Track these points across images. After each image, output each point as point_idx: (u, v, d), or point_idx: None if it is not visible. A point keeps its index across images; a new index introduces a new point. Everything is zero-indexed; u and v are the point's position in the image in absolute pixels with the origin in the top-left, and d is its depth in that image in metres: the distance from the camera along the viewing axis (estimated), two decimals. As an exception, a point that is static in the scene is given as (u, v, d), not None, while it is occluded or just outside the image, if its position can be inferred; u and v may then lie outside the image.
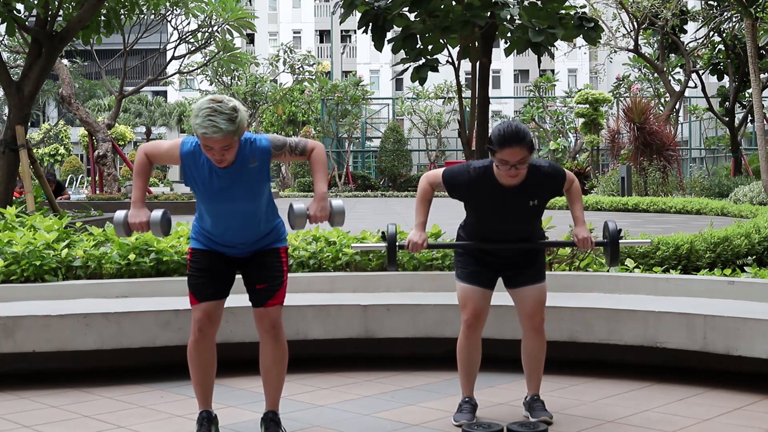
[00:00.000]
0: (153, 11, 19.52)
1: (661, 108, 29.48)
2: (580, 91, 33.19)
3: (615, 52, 29.34)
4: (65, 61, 26.45)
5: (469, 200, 3.89)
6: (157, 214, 3.53)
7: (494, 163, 3.73)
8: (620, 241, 3.88)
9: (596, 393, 4.46)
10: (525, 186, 3.78)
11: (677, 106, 29.72)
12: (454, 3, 6.75)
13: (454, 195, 3.91)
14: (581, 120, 30.77)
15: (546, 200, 3.88)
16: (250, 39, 49.87)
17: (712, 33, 26.02)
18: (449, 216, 6.42)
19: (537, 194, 3.82)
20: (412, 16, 7.01)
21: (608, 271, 5.93)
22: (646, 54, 28.32)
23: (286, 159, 3.61)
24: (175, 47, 24.93)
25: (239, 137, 3.37)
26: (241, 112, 3.35)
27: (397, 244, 3.88)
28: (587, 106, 29.93)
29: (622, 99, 30.86)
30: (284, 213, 3.67)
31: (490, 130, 7.12)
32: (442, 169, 3.95)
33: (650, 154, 21.09)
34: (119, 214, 3.56)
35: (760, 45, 21.72)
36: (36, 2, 9.64)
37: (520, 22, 6.67)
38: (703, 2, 25.63)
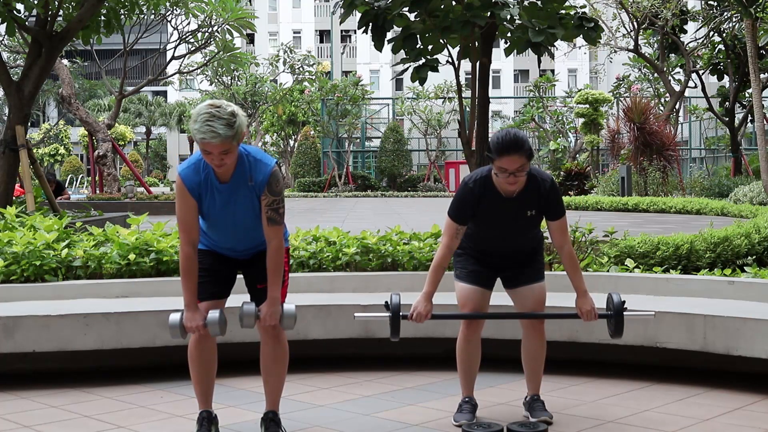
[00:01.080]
0: (153, 11, 19.52)
1: (661, 108, 29.48)
2: (580, 91, 33.18)
3: (615, 52, 29.34)
4: (65, 61, 26.45)
5: (475, 213, 3.87)
6: (215, 316, 3.47)
7: (493, 170, 3.73)
8: (624, 313, 3.86)
9: (596, 393, 4.46)
10: (524, 195, 3.78)
11: (677, 106, 29.73)
12: (454, 3, 6.75)
13: (468, 221, 3.85)
14: (581, 120, 30.75)
15: (543, 212, 3.86)
16: (250, 39, 49.88)
17: (712, 33, 26.02)
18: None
19: (535, 204, 3.82)
20: (412, 16, 7.01)
21: (608, 270, 5.93)
22: (646, 54, 28.32)
23: (262, 202, 3.49)
24: (175, 47, 24.93)
25: (238, 142, 3.38)
26: (240, 117, 3.36)
27: (400, 314, 3.84)
28: (587, 106, 29.92)
29: (622, 99, 30.88)
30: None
31: (490, 130, 7.14)
32: (448, 217, 3.85)
33: (650, 154, 21.10)
34: (174, 318, 3.51)
35: (760, 45, 21.72)
36: (36, 2, 9.64)
37: (520, 22, 6.66)
38: (703, 2, 25.63)
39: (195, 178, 3.48)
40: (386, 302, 3.82)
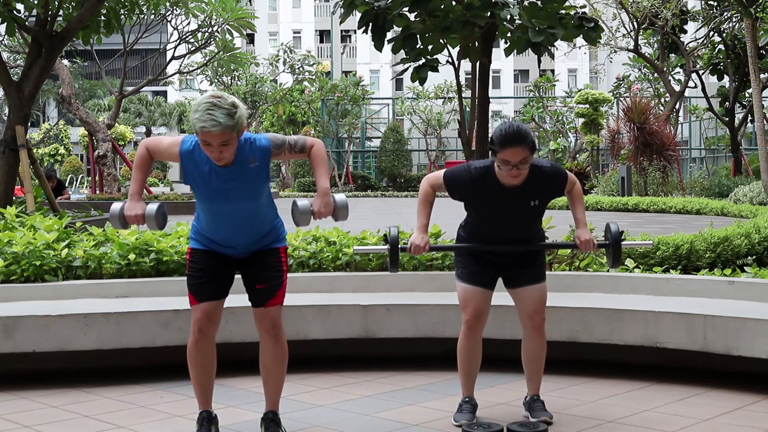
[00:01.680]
0: (153, 11, 19.52)
1: (661, 108, 29.48)
2: (580, 91, 33.18)
3: (615, 52, 29.34)
4: (65, 61, 26.44)
5: (469, 200, 3.89)
6: (153, 207, 3.52)
7: (496, 163, 3.73)
8: (622, 242, 3.88)
9: (596, 393, 4.46)
10: (526, 186, 3.78)
11: (677, 106, 29.72)
12: (454, 3, 6.75)
13: (455, 196, 3.91)
14: (581, 120, 30.76)
15: (547, 201, 3.88)
16: (250, 39, 49.87)
17: (712, 33, 26.02)
18: (449, 216, 6.42)
19: (538, 195, 3.82)
20: (412, 16, 7.01)
21: (608, 271, 5.93)
22: (646, 54, 28.32)
23: (286, 157, 3.60)
24: (175, 47, 24.94)
25: (238, 134, 3.36)
26: (241, 109, 3.36)
27: (399, 246, 3.87)
28: (587, 106, 29.92)
29: (622, 99, 30.88)
30: (285, 212, 3.67)
31: (490, 130, 7.14)
32: (442, 171, 3.94)
33: (650, 154, 21.10)
34: (115, 206, 3.56)
35: (760, 45, 21.72)
36: (36, 2, 9.64)
37: (520, 22, 6.67)
38: (703, 2, 25.63)
39: (191, 155, 3.47)
40: (384, 235, 3.85)
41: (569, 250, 6.01)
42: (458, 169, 3.90)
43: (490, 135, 6.44)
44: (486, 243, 3.93)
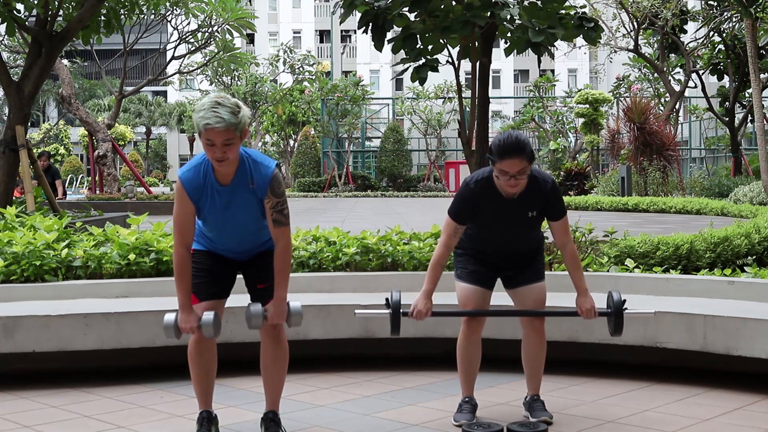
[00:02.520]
0: (153, 11, 19.52)
1: (661, 108, 29.48)
2: (580, 91, 33.17)
3: (615, 52, 29.34)
4: (65, 61, 26.45)
5: (476, 215, 3.87)
6: (209, 317, 3.46)
7: (494, 173, 3.73)
8: (624, 311, 3.86)
9: (596, 393, 4.46)
10: (525, 197, 3.78)
11: (677, 106, 29.72)
12: (454, 3, 6.74)
13: (467, 222, 3.87)
14: (581, 120, 30.76)
15: (544, 212, 3.87)
16: (250, 39, 49.89)
17: (712, 33, 26.02)
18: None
19: (536, 205, 3.82)
20: (412, 16, 7.00)
21: (608, 270, 5.93)
22: (646, 54, 28.32)
23: (266, 205, 3.50)
24: (175, 47, 24.95)
25: (241, 136, 3.37)
26: (244, 109, 3.38)
27: (400, 311, 3.84)
28: (587, 106, 29.92)
29: (622, 99, 30.88)
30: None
31: (490, 130, 7.13)
32: (448, 220, 3.86)
33: (650, 154, 21.10)
34: (169, 319, 3.51)
35: (760, 45, 21.72)
36: (36, 2, 9.64)
37: (520, 22, 6.66)
38: (703, 2, 25.63)
39: (195, 181, 3.47)
40: (387, 299, 3.82)
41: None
42: (460, 195, 3.86)
43: (490, 135, 6.45)
44: (486, 251, 3.93)
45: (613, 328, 3.86)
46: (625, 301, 3.86)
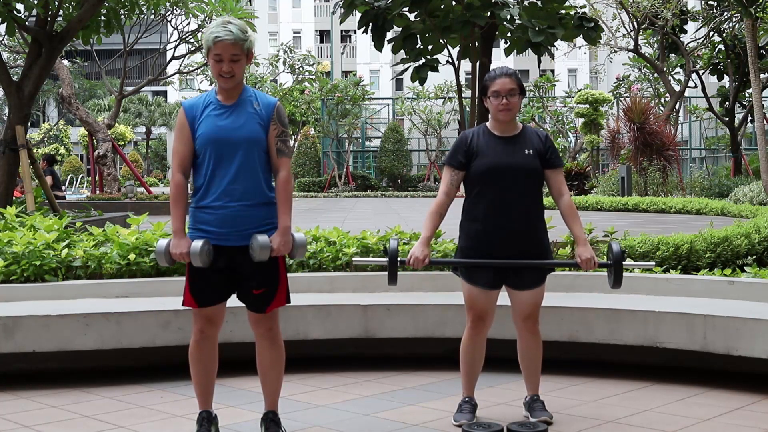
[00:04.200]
0: (153, 11, 19.51)
1: (661, 108, 29.49)
2: (580, 91, 33.18)
3: (615, 52, 29.34)
4: (65, 61, 26.45)
5: (473, 161, 3.88)
6: (198, 244, 3.47)
7: (486, 103, 3.89)
8: (624, 262, 3.86)
9: (596, 393, 4.46)
10: (521, 137, 3.93)
11: (677, 106, 29.72)
12: (454, 3, 6.74)
13: (463, 165, 3.89)
14: (581, 120, 30.77)
15: (542, 156, 3.88)
16: (250, 39, 49.80)
17: (712, 33, 26.03)
18: (449, 216, 6.41)
19: (532, 145, 3.91)
20: (412, 16, 7.01)
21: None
22: (646, 54, 28.32)
23: (270, 136, 3.55)
24: (175, 47, 24.95)
25: (248, 57, 3.51)
26: (251, 33, 3.54)
27: (398, 259, 3.85)
28: (587, 106, 29.92)
29: (622, 99, 30.87)
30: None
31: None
32: (445, 169, 3.96)
33: (650, 154, 21.10)
34: (161, 243, 3.55)
35: (760, 45, 21.72)
36: (36, 2, 9.64)
37: (520, 22, 6.66)
38: (703, 2, 25.63)
39: (195, 105, 3.57)
40: (384, 246, 3.84)
41: (569, 250, 6.01)
42: (455, 142, 4.00)
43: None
44: (487, 235, 3.87)
45: (613, 280, 3.87)
46: (624, 251, 3.88)
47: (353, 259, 4.11)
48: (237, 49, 3.46)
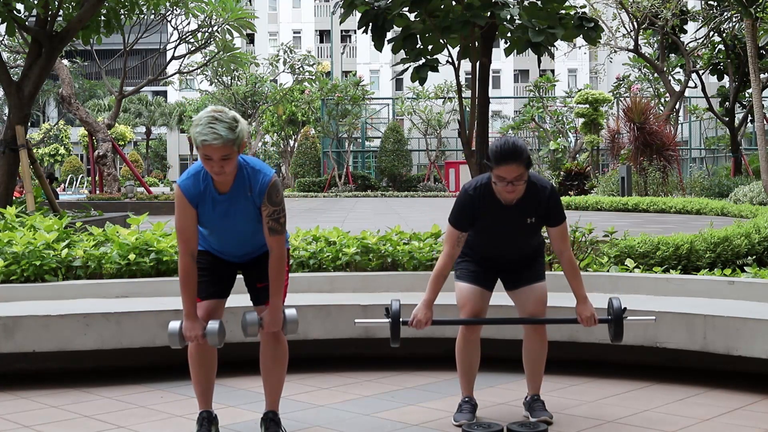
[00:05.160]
0: (153, 11, 19.52)
1: (661, 108, 29.48)
2: (580, 91, 33.18)
3: (615, 52, 29.33)
4: (65, 61, 26.45)
5: (476, 221, 3.87)
6: (214, 327, 3.47)
7: (492, 179, 3.74)
8: (624, 318, 3.86)
9: (596, 393, 4.46)
10: (523, 203, 3.79)
11: (677, 106, 29.72)
12: (454, 3, 6.74)
13: (467, 229, 3.87)
14: (581, 120, 30.76)
15: (543, 219, 3.86)
16: (250, 39, 49.88)
17: (712, 33, 26.02)
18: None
19: (535, 212, 3.83)
20: (412, 16, 7.00)
21: (608, 270, 5.93)
22: (646, 54, 28.32)
23: (263, 212, 3.49)
24: (175, 47, 24.96)
25: (239, 149, 3.38)
26: (242, 123, 3.38)
27: (400, 320, 3.85)
28: (587, 106, 29.92)
29: (622, 99, 30.87)
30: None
31: (490, 130, 7.13)
32: (450, 229, 3.87)
33: (650, 154, 21.10)
34: (173, 326, 3.53)
35: (760, 45, 21.72)
36: (36, 2, 9.64)
37: (520, 22, 6.66)
38: (703, 2, 25.63)
39: (194, 189, 3.48)
40: (386, 308, 3.83)
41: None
42: (460, 202, 3.86)
43: (490, 135, 6.45)
44: (486, 257, 3.94)
45: (613, 335, 3.87)
46: (625, 308, 3.86)
47: (355, 321, 4.09)
48: (227, 150, 3.31)
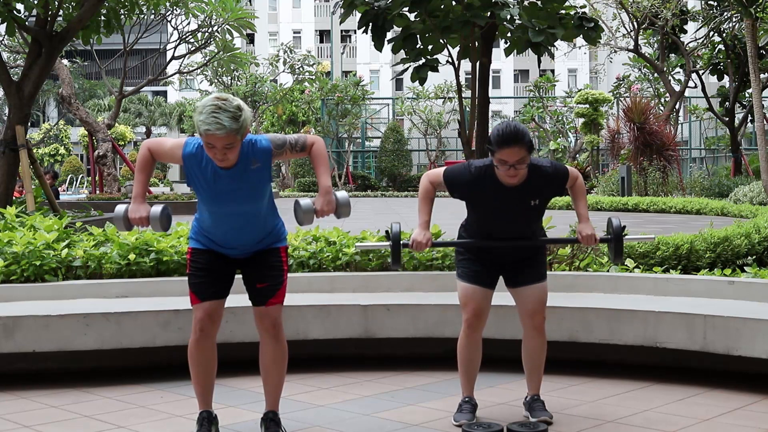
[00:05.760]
0: (153, 11, 19.52)
1: (661, 108, 29.47)
2: (580, 91, 33.18)
3: (615, 52, 29.34)
4: (65, 61, 26.46)
5: (470, 200, 3.90)
6: (157, 209, 3.52)
7: (494, 163, 3.74)
8: (624, 237, 3.88)
9: (596, 393, 4.46)
10: (526, 185, 3.79)
11: (677, 106, 29.72)
12: (454, 3, 6.74)
13: (455, 194, 3.92)
14: (581, 120, 30.77)
15: (547, 200, 3.89)
16: (250, 39, 49.87)
17: (712, 33, 26.02)
18: (449, 216, 6.42)
19: (538, 194, 3.83)
20: (412, 16, 7.00)
21: (608, 270, 5.93)
22: (646, 54, 28.31)
23: (287, 157, 3.61)
24: (175, 47, 24.94)
25: (242, 137, 3.37)
26: (245, 111, 3.36)
27: (401, 242, 3.88)
28: (587, 106, 29.93)
29: (622, 99, 30.88)
30: (286, 212, 3.68)
31: (490, 130, 7.12)
32: (442, 168, 3.95)
33: (650, 154, 21.09)
34: (119, 208, 3.57)
35: (760, 45, 21.72)
36: (36, 2, 9.64)
37: (520, 22, 6.66)
38: (703, 2, 25.62)
39: (194, 159, 3.47)
40: (387, 231, 3.86)
41: (569, 249, 6.01)
42: (458, 168, 3.90)
43: (489, 135, 6.42)
44: (491, 234, 3.92)
45: (613, 254, 3.88)
46: (625, 227, 3.89)
47: (355, 244, 4.13)
48: (230, 139, 3.31)
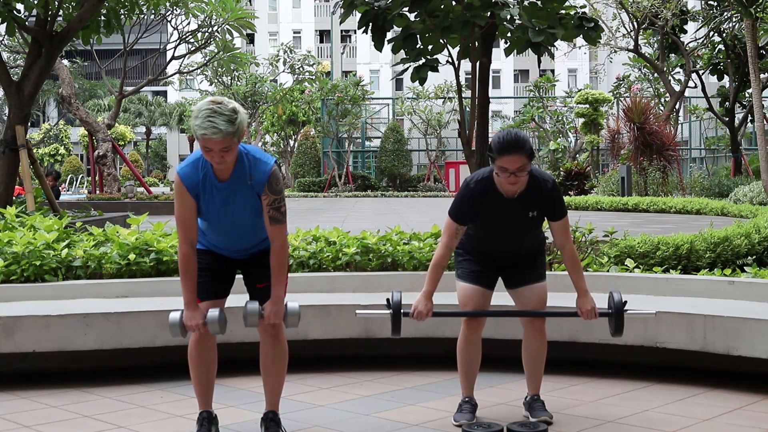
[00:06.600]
0: (153, 11, 19.52)
1: (661, 108, 29.49)
2: (580, 91, 33.19)
3: (615, 52, 29.34)
4: (65, 61, 26.47)
5: (477, 216, 3.87)
6: (214, 314, 3.46)
7: (494, 171, 3.73)
8: (625, 312, 3.86)
9: (596, 393, 4.46)
10: (525, 196, 3.79)
11: (677, 106, 29.72)
12: (454, 3, 6.74)
13: (467, 223, 3.87)
14: (581, 120, 30.79)
15: (545, 212, 3.87)
16: (250, 39, 49.89)
17: (712, 33, 26.03)
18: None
19: (536, 206, 3.82)
20: (412, 16, 7.00)
21: (608, 270, 5.93)
22: (646, 54, 28.32)
23: (264, 203, 3.49)
24: (175, 47, 24.96)
25: (239, 140, 3.38)
26: (241, 114, 3.36)
27: (401, 312, 3.84)
28: (587, 106, 29.94)
29: (622, 99, 30.88)
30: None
31: (490, 130, 7.13)
32: (449, 221, 3.86)
33: (650, 154, 21.10)
34: (174, 316, 3.51)
35: (760, 45, 21.73)
36: (36, 2, 9.64)
37: (520, 22, 6.66)
38: (703, 2, 25.63)
39: (194, 177, 3.48)
40: (387, 299, 3.83)
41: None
42: (461, 196, 3.85)
43: (490, 135, 6.43)
44: (486, 252, 3.94)
45: (613, 329, 3.87)
46: (626, 302, 3.86)
47: (356, 312, 4.09)
48: (227, 142, 3.30)
